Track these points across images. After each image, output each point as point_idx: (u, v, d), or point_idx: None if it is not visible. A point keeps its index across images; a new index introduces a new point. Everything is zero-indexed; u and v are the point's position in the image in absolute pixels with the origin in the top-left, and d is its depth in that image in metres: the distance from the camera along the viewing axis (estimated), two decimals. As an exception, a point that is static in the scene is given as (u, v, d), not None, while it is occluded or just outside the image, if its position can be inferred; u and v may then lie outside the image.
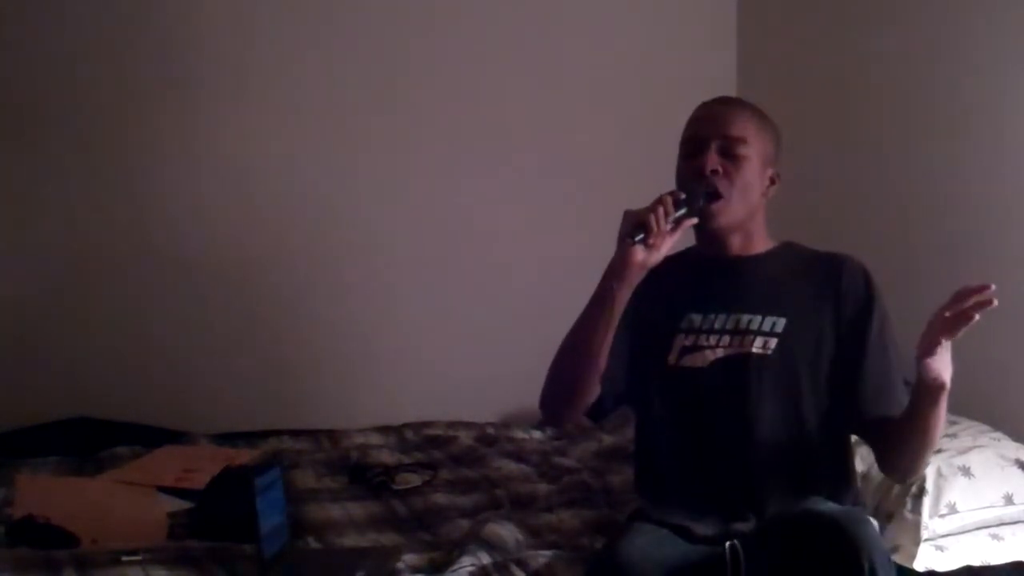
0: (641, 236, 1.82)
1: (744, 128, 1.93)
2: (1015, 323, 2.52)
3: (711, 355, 1.92)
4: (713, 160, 1.91)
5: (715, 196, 1.90)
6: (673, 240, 1.86)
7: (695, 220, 1.89)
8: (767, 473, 1.88)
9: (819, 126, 3.16)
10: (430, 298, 3.29)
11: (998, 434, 2.35)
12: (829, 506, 1.76)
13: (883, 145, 2.97)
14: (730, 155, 1.91)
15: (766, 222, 2.00)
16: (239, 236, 3.16)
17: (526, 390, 3.23)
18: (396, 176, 3.26)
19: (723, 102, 2.01)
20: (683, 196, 1.87)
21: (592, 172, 3.36)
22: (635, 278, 1.86)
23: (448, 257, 3.30)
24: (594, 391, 1.93)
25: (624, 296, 1.86)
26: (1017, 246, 2.53)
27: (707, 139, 1.93)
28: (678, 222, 1.85)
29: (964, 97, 2.68)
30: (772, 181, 1.97)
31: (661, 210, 1.83)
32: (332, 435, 3.03)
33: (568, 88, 3.35)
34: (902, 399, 1.87)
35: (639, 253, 1.84)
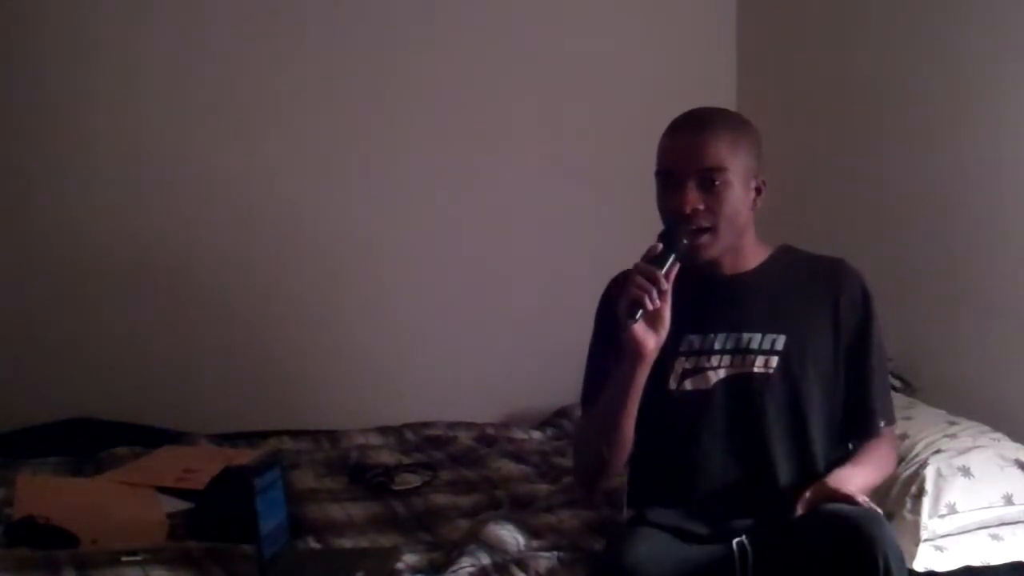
0: (639, 313, 1.78)
1: (719, 155, 1.84)
2: (1015, 323, 2.52)
3: (713, 376, 1.91)
4: (693, 199, 1.83)
5: (700, 231, 1.85)
6: (669, 293, 1.80)
7: (679, 264, 1.81)
8: (774, 487, 1.87)
9: (819, 126, 3.16)
10: (430, 299, 3.29)
11: (998, 434, 2.35)
12: (844, 506, 1.76)
13: (882, 145, 2.96)
14: (709, 187, 1.84)
15: (757, 231, 1.96)
16: (239, 237, 3.16)
17: (526, 390, 3.28)
18: (396, 177, 3.26)
19: (693, 127, 1.88)
20: (660, 247, 1.80)
21: (592, 173, 3.35)
22: (653, 355, 1.83)
23: (448, 258, 3.30)
24: (625, 459, 1.94)
25: (644, 375, 1.84)
26: (1017, 246, 2.53)
27: (682, 174, 1.84)
28: (667, 275, 1.80)
29: (964, 97, 2.68)
30: (758, 191, 1.92)
31: (646, 282, 1.77)
32: (332, 435, 3.03)
33: (567, 89, 3.35)
34: (886, 417, 1.95)
35: (648, 335, 1.80)
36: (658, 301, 1.78)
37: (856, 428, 1.96)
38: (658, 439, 1.94)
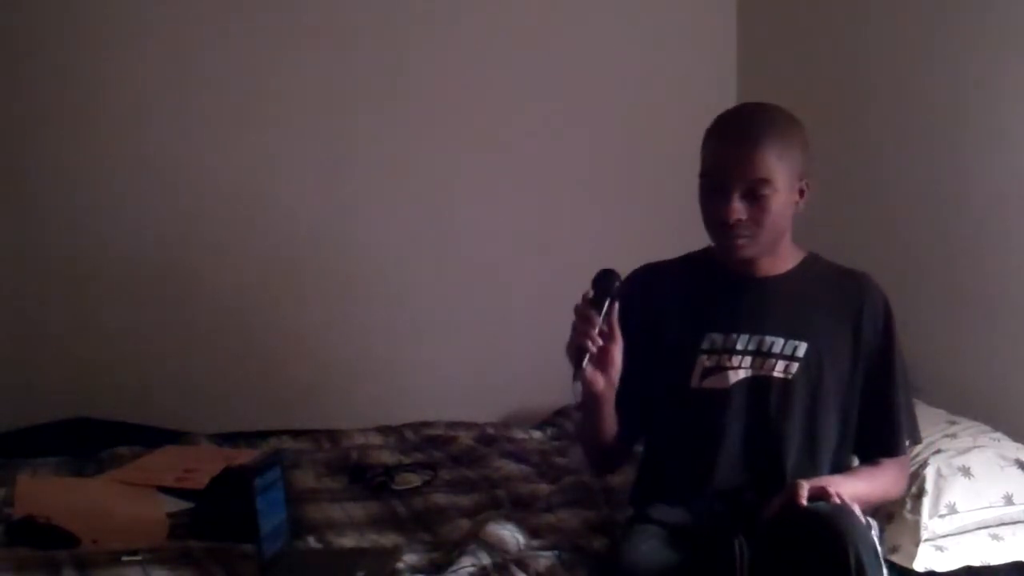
0: (586, 358, 1.83)
1: (766, 168, 1.81)
2: (1015, 323, 2.52)
3: (733, 376, 1.91)
4: (737, 209, 1.82)
5: (740, 236, 1.85)
6: (616, 330, 1.85)
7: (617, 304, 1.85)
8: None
9: (819, 126, 3.13)
10: (430, 298, 3.29)
11: (998, 434, 2.35)
12: (817, 504, 1.76)
13: (883, 145, 2.97)
14: (755, 197, 1.82)
15: (792, 232, 1.96)
16: (239, 237, 3.16)
17: (526, 390, 3.28)
18: (396, 177, 3.26)
19: (742, 135, 1.83)
20: (592, 294, 1.84)
21: (592, 174, 3.35)
22: (607, 394, 1.90)
23: (448, 258, 3.31)
24: (623, 450, 2.04)
25: (606, 411, 1.92)
26: (1017, 246, 2.53)
27: (729, 183, 1.82)
28: (608, 317, 1.83)
29: (965, 97, 2.68)
30: (802, 193, 1.90)
31: (587, 328, 1.81)
32: (332, 435, 3.03)
33: (568, 90, 3.35)
34: (912, 436, 1.97)
35: (597, 376, 1.87)
36: (600, 341, 1.82)
37: (879, 445, 1.97)
38: (675, 434, 1.96)
